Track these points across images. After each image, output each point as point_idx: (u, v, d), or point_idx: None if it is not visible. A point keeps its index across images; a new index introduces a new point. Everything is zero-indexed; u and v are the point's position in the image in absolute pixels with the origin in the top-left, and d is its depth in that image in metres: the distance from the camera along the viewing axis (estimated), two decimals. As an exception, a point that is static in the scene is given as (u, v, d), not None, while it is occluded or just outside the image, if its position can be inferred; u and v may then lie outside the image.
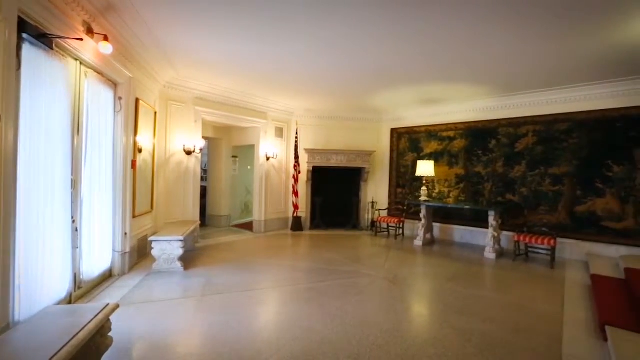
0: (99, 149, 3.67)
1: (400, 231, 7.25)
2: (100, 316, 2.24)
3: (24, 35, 2.37)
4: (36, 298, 2.57)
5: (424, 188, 6.81)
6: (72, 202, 3.14)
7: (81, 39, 3.00)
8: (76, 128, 3.23)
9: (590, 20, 3.22)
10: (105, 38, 3.11)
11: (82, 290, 3.43)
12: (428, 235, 6.68)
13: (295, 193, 7.65)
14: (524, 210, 6.04)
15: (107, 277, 4.04)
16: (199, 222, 6.06)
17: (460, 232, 6.89)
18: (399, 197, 7.86)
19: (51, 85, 2.70)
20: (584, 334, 2.95)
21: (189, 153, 5.96)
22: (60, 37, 2.74)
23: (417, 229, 6.80)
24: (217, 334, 2.82)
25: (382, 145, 8.19)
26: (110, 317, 2.39)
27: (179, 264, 4.47)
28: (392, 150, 8.05)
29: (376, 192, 8.25)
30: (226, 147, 8.24)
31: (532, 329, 3.03)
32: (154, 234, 4.87)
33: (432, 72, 4.96)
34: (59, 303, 2.90)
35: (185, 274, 4.37)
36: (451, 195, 7.03)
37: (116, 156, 4.08)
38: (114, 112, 4.05)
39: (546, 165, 5.83)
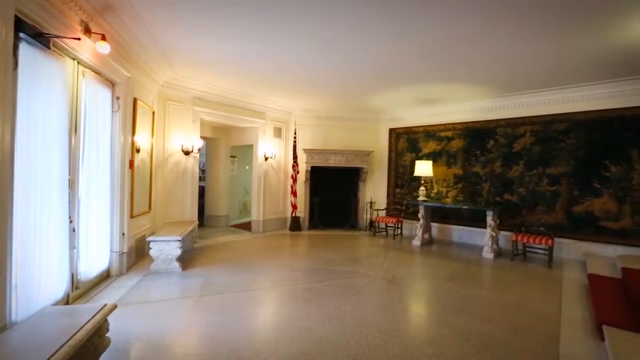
0: (96, 148, 3.66)
1: (399, 231, 7.26)
2: (98, 317, 2.23)
3: (21, 35, 2.36)
4: (33, 298, 2.55)
5: (422, 188, 6.82)
6: (69, 202, 3.13)
7: (79, 39, 2.99)
8: (73, 128, 3.21)
9: (590, 20, 3.23)
10: (103, 37, 3.10)
11: (79, 290, 3.41)
12: (426, 235, 6.69)
13: (294, 193, 7.65)
14: (522, 210, 6.06)
15: (105, 277, 4.03)
16: (197, 222, 6.05)
17: (459, 232, 6.90)
18: (397, 197, 7.87)
19: (48, 85, 2.69)
20: (581, 333, 2.96)
21: (187, 153, 5.94)
22: (57, 37, 2.73)
23: (415, 229, 6.81)
24: (215, 334, 2.81)
25: (381, 146, 8.20)
26: (108, 318, 2.38)
27: (177, 264, 4.46)
28: (390, 151, 8.06)
29: (374, 192, 8.26)
30: (224, 147, 8.23)
31: (530, 329, 3.04)
32: (152, 234, 4.85)
33: (431, 72, 4.97)
34: (56, 303, 2.89)
35: (183, 274, 4.36)
36: (449, 195, 7.04)
37: (114, 156, 4.06)
38: (112, 111, 4.04)
39: (544, 165, 5.86)
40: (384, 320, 3.14)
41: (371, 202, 8.18)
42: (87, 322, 2.12)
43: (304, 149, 7.79)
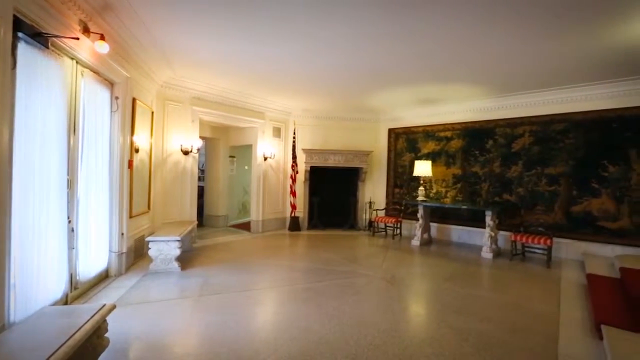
0: (95, 148, 3.66)
1: (398, 231, 7.26)
2: (97, 317, 2.23)
3: (20, 34, 2.35)
4: (32, 299, 2.55)
5: (421, 188, 6.83)
6: (68, 202, 3.12)
7: (77, 38, 2.98)
8: (72, 127, 3.21)
9: (590, 20, 3.24)
10: (102, 37, 3.10)
11: (78, 290, 3.41)
12: (425, 235, 6.70)
13: (293, 193, 7.65)
14: (521, 210, 6.07)
15: (104, 277, 4.02)
16: (196, 222, 6.05)
17: (458, 232, 6.91)
18: (397, 197, 7.88)
19: (47, 85, 2.69)
20: (579, 333, 2.97)
21: (186, 153, 5.94)
22: (56, 36, 2.72)
23: (414, 229, 6.81)
24: (215, 334, 2.81)
25: (380, 146, 8.20)
26: (107, 318, 2.38)
27: (176, 264, 4.45)
28: (389, 151, 8.07)
29: (374, 192, 8.26)
30: (223, 147, 8.23)
31: (529, 329, 3.05)
32: (151, 234, 4.85)
33: (430, 73, 4.98)
34: (55, 304, 2.89)
35: (183, 274, 4.35)
36: (448, 195, 7.05)
37: (113, 156, 4.06)
38: (111, 111, 4.03)
39: (542, 165, 5.87)
40: (383, 320, 3.15)
41: (370, 202, 8.18)
42: (86, 323, 2.12)
43: (303, 149, 7.79)
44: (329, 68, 4.89)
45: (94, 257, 3.72)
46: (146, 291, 3.75)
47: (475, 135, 6.68)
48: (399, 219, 7.19)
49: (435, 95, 6.30)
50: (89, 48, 3.24)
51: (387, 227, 7.45)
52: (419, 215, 6.64)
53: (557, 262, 5.29)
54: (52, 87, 2.77)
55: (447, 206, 6.51)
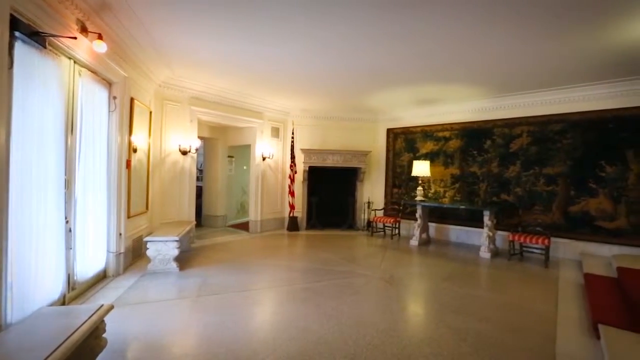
0: (93, 148, 3.64)
1: (396, 231, 7.27)
2: (95, 317, 2.22)
3: (17, 34, 2.34)
4: (29, 299, 2.54)
5: (419, 188, 6.84)
6: (65, 202, 3.11)
7: (75, 38, 2.97)
8: (70, 127, 3.19)
9: (590, 20, 3.24)
10: (100, 37, 3.08)
11: (75, 291, 3.39)
12: (424, 235, 6.71)
13: (292, 193, 7.64)
14: (519, 210, 6.09)
15: (102, 277, 4.01)
16: (194, 223, 6.03)
17: (456, 232, 6.93)
18: (395, 197, 7.89)
19: (44, 84, 2.68)
20: (577, 332, 2.98)
21: (184, 153, 5.92)
22: (53, 36, 2.71)
23: (413, 229, 6.82)
24: (213, 334, 2.81)
25: (378, 146, 8.21)
26: (105, 318, 2.37)
27: (174, 265, 4.44)
28: (388, 151, 8.08)
29: (372, 192, 8.27)
30: (222, 147, 8.21)
31: (527, 328, 3.06)
32: (149, 234, 4.83)
33: (429, 73, 4.98)
34: (53, 304, 2.87)
35: (181, 275, 4.34)
36: (447, 195, 7.07)
37: (110, 156, 4.04)
38: (109, 111, 4.02)
39: (540, 165, 5.89)
40: (381, 320, 3.15)
41: (369, 202, 8.19)
42: (83, 323, 2.11)
43: (301, 149, 7.78)
44: (328, 68, 4.89)
45: (92, 258, 3.71)
46: (144, 291, 3.74)
47: (474, 135, 6.69)
48: (398, 219, 7.20)
49: (433, 96, 6.31)
50: (86, 47, 3.23)
51: (386, 227, 7.46)
52: (417, 215, 6.65)
53: (554, 262, 5.31)
54: (50, 86, 2.75)
55: (445, 206, 6.52)
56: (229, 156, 8.43)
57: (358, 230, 8.02)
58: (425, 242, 6.71)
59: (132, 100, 4.42)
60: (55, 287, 2.94)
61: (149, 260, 4.41)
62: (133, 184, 4.51)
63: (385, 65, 4.72)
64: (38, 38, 2.53)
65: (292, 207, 7.68)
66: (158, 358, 2.44)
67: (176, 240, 4.40)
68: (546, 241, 5.14)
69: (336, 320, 3.11)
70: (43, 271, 2.74)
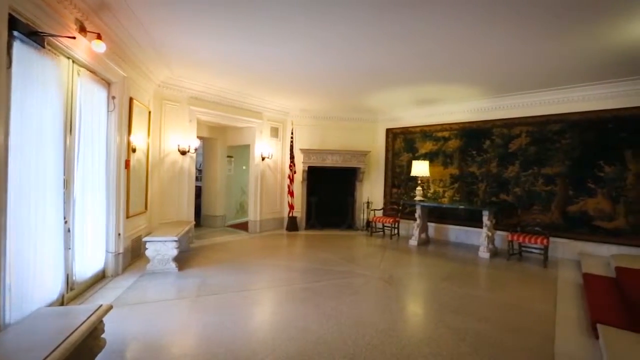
0: (91, 148, 3.63)
1: (396, 231, 7.28)
2: (93, 318, 2.22)
3: (15, 33, 2.33)
4: (27, 300, 2.53)
5: (419, 188, 6.84)
6: (64, 203, 3.11)
7: (74, 37, 2.96)
8: (68, 127, 3.19)
9: (590, 20, 3.25)
10: (99, 36, 3.08)
11: (74, 291, 3.38)
12: (423, 235, 6.72)
13: (291, 193, 7.64)
14: (518, 210, 6.10)
15: (100, 278, 4.00)
16: (193, 223, 6.03)
17: (455, 232, 6.93)
18: (394, 197, 7.89)
19: (43, 84, 2.67)
20: (576, 332, 2.99)
21: (183, 153, 5.92)
22: (52, 35, 2.71)
23: (412, 229, 6.82)
24: (212, 334, 2.81)
25: (378, 146, 8.22)
26: (104, 319, 2.37)
27: (173, 265, 4.44)
28: (387, 151, 8.08)
29: (371, 192, 8.27)
30: (221, 147, 8.21)
31: (526, 328, 3.06)
32: (148, 234, 4.83)
33: (428, 73, 4.98)
34: (51, 305, 2.87)
35: (180, 275, 4.34)
36: (446, 195, 7.07)
37: (109, 156, 4.04)
38: (107, 111, 4.01)
39: (539, 165, 5.90)
40: (381, 320, 3.15)
41: (368, 202, 8.19)
42: (82, 323, 2.10)
43: (301, 149, 7.78)
44: (328, 68, 4.89)
45: (91, 258, 3.70)
46: (143, 292, 3.73)
47: (473, 135, 6.70)
48: (397, 219, 7.21)
49: (433, 96, 6.32)
50: (85, 47, 3.22)
51: (385, 227, 7.46)
52: (416, 215, 6.65)
53: (553, 262, 5.32)
54: (48, 86, 2.75)
55: (444, 206, 6.52)
56: (228, 156, 8.42)
57: (357, 230, 8.02)
58: (424, 242, 6.71)
59: (131, 100, 4.41)
60: (53, 288, 2.94)
61: (148, 260, 4.41)
62: (132, 184, 4.51)
63: (385, 65, 4.72)
64: (37, 38, 2.52)
65: (291, 207, 7.67)
66: (157, 358, 2.44)
67: (175, 241, 4.39)
68: (545, 241, 5.15)
69: (335, 320, 3.11)
70: (42, 271, 2.73)
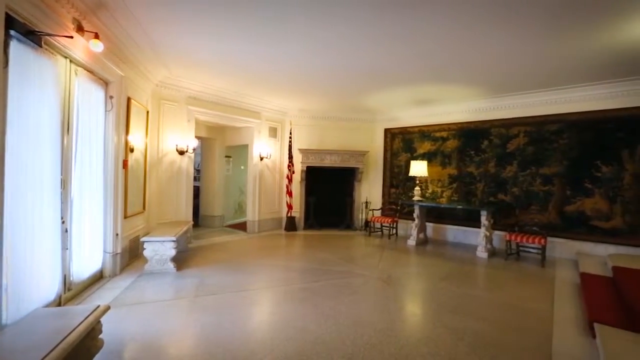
0: (89, 148, 3.62)
1: (394, 231, 7.29)
2: (91, 318, 2.21)
3: (12, 32, 2.32)
4: (25, 300, 2.51)
5: (417, 188, 6.85)
6: (61, 203, 3.09)
7: (71, 37, 2.95)
8: (66, 127, 3.18)
9: (590, 20, 3.26)
10: (96, 36, 3.07)
11: (72, 292, 3.37)
12: (421, 235, 6.73)
13: (289, 193, 7.64)
14: (516, 210, 6.12)
15: (98, 278, 3.98)
16: (191, 223, 6.01)
17: (453, 232, 6.95)
18: (393, 197, 7.90)
19: (40, 84, 2.66)
20: (573, 331, 3.00)
21: (181, 153, 5.90)
22: (49, 35, 2.69)
23: (410, 229, 6.83)
24: (210, 334, 2.80)
25: (376, 146, 8.22)
26: (101, 319, 2.36)
27: (171, 265, 4.43)
28: (385, 151, 8.09)
29: (370, 192, 8.28)
30: (219, 147, 8.19)
31: (523, 327, 3.07)
32: (146, 234, 4.81)
33: (428, 73, 4.99)
34: (48, 305, 2.85)
35: (178, 275, 4.33)
36: (444, 195, 7.09)
37: (107, 156, 4.02)
38: (105, 111, 4.00)
39: (537, 165, 5.92)
40: (379, 320, 3.15)
41: (366, 202, 8.20)
42: (79, 324, 2.10)
43: (299, 149, 7.78)
44: (328, 68, 4.89)
45: (88, 258, 3.68)
46: (141, 292, 3.72)
47: (471, 135, 6.72)
48: (395, 219, 7.21)
49: (432, 96, 6.33)
50: (83, 47, 3.21)
51: (383, 227, 7.47)
52: (414, 215, 6.66)
53: (551, 262, 5.34)
54: (45, 86, 2.73)
55: (442, 206, 6.54)
56: (226, 156, 8.41)
57: (356, 230, 8.02)
58: (422, 242, 6.72)
59: (129, 99, 4.40)
60: (51, 288, 2.92)
61: (146, 260, 4.39)
62: (130, 183, 4.49)
63: (385, 66, 4.72)
64: (34, 37, 2.51)
65: (289, 207, 7.67)
66: (155, 359, 2.43)
67: (173, 241, 4.38)
68: (543, 241, 5.17)
69: (334, 320, 3.12)
70: (39, 272, 2.72)
